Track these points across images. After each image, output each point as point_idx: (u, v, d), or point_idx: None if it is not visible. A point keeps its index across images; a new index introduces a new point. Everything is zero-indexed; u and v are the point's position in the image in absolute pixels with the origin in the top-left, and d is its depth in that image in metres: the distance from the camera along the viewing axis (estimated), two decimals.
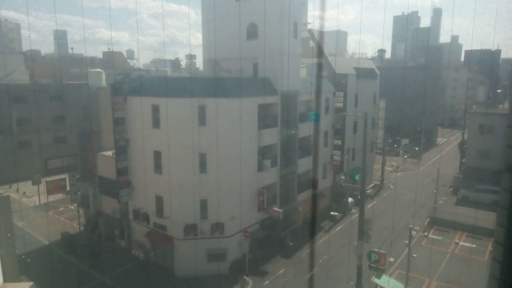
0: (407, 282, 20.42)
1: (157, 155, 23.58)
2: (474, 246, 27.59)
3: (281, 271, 24.46)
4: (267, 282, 23.38)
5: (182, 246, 23.29)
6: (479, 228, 29.35)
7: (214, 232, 23.53)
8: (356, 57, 42.18)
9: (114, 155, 25.35)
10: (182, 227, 23.12)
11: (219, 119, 22.38)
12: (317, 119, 28.75)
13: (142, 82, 25.83)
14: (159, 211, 24.13)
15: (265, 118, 25.58)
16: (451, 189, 40.73)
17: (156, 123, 23.23)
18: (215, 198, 23.23)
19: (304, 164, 29.87)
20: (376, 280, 19.62)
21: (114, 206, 26.73)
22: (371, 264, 20.22)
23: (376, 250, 20.46)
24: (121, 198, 25.28)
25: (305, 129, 29.24)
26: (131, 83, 25.52)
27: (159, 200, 24.01)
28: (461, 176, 40.81)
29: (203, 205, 23.30)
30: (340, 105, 32.79)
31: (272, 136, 26.10)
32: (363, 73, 37.34)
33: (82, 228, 29.68)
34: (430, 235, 29.62)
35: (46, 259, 25.56)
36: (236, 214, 23.82)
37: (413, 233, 24.58)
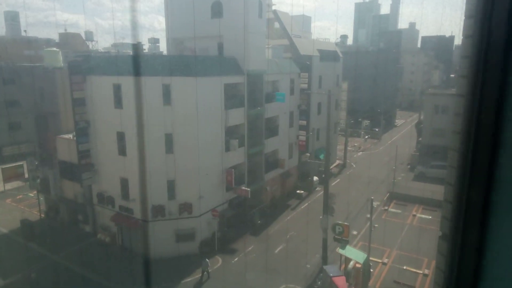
0: (369, 251, 21.57)
1: (121, 136, 22.97)
2: (430, 217, 29.54)
3: (250, 248, 24.98)
4: (236, 259, 23.81)
5: (150, 227, 23.06)
6: (435, 201, 31.34)
7: (182, 213, 23.49)
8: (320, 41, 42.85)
9: (75, 138, 24.40)
10: (150, 210, 22.85)
11: (184, 99, 22.09)
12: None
13: (102, 60, 24.84)
14: (125, 194, 23.67)
15: (231, 97, 25.56)
16: (409, 166, 43.02)
17: (118, 103, 22.55)
18: (183, 178, 23.10)
19: (271, 144, 30.29)
20: (341, 251, 20.55)
21: (76, 190, 25.86)
22: (336, 236, 21.15)
23: (340, 222, 21.38)
24: (84, 181, 24.49)
25: (271, 109, 29.54)
26: (91, 62, 24.46)
27: (124, 183, 23.52)
28: (418, 153, 43.17)
29: (170, 186, 23.11)
30: (305, 86, 33.34)
31: (238, 116, 26.17)
32: (326, 56, 38.06)
33: (43, 215, 28.50)
34: (390, 209, 31.33)
35: (5, 247, 24.42)
36: (204, 194, 23.85)
37: (374, 204, 25.92)
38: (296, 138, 34.39)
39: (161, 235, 23.01)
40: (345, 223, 21.19)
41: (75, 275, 21.72)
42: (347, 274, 18.42)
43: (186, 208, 23.45)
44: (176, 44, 28.47)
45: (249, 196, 26.52)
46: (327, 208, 22.73)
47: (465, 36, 1.94)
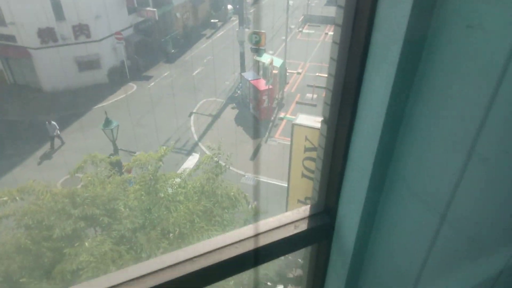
0: (285, 58, 21.89)
1: None
2: None
3: (166, 74, 23.74)
4: (152, 84, 22.64)
5: (42, 56, 19.89)
6: None
7: (79, 36, 20.36)
8: None
9: None
10: (35, 33, 19.22)
11: None
12: None
13: None
14: None
15: None
16: None
17: None
18: None
19: None
20: (258, 58, 20.36)
21: None
22: (253, 46, 20.64)
23: (256, 31, 20.58)
24: None
25: None
26: None
27: None
28: None
29: (55, 4, 19.17)
30: None
31: None
32: None
33: None
34: (304, 30, 31.42)
35: None
36: (101, 13, 20.50)
37: (289, 29, 25.51)
38: None
39: (59, 63, 20.16)
40: (262, 31, 20.47)
41: None
42: (264, 71, 18.62)
43: (82, 30, 20.25)
44: None
45: (157, 19, 23.77)
46: (243, 19, 21.49)
47: None
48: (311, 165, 5.83)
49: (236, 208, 6.17)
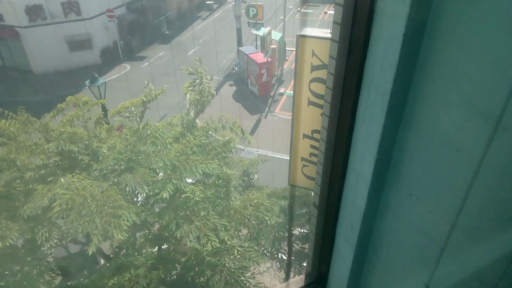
0: (284, 34, 21.12)
1: None
2: None
3: (160, 54, 22.98)
4: (145, 64, 21.87)
5: (31, 35, 19.11)
6: None
7: (69, 14, 19.57)
8: None
9: None
10: (23, 11, 18.44)
11: None
12: None
13: None
14: None
15: None
16: None
17: None
18: None
19: None
20: (256, 32, 19.62)
21: None
22: (250, 21, 19.93)
23: (253, 4, 19.82)
24: None
25: None
26: None
27: None
28: None
29: None
30: None
31: None
32: None
33: None
34: (302, 10, 30.63)
35: None
36: None
37: (287, 8, 24.71)
38: None
39: (49, 43, 19.39)
40: (259, 4, 19.70)
41: None
42: (262, 42, 17.84)
43: (71, 7, 19.46)
44: None
45: None
46: None
47: None
48: (319, 88, 5.10)
49: (232, 144, 5.68)
